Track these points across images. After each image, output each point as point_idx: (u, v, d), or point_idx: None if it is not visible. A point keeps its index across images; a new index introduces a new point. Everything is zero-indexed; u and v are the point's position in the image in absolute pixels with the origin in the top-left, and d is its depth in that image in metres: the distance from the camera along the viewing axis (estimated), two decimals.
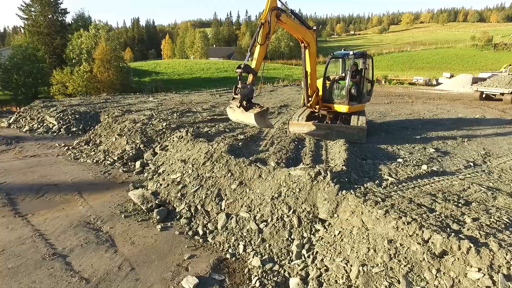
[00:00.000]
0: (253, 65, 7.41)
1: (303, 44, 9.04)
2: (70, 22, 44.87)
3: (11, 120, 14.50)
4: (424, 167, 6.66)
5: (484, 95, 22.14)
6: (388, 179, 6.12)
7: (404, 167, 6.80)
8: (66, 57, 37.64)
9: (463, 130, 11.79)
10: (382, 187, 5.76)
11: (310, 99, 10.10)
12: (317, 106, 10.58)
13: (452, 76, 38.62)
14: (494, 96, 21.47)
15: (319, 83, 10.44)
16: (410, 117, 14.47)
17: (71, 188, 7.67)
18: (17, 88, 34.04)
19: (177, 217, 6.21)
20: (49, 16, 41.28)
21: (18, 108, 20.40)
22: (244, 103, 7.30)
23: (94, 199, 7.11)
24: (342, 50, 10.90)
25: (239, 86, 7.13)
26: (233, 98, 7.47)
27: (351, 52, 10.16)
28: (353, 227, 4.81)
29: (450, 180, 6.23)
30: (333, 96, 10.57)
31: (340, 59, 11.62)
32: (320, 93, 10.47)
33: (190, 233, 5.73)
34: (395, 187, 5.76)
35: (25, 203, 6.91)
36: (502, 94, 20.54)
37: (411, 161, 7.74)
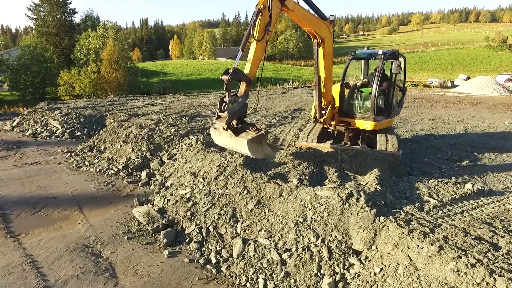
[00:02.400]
0: (246, 70, 5.46)
1: (315, 40, 6.84)
2: (78, 22, 44.69)
3: (15, 123, 14.00)
4: (469, 185, 5.82)
5: None
6: (429, 201, 5.30)
7: (444, 185, 5.97)
8: (74, 58, 37.40)
9: (497, 139, 10.85)
10: (425, 211, 4.94)
11: (323, 112, 7.68)
12: (332, 122, 8.11)
13: (468, 78, 37.34)
14: None
15: (336, 91, 8.07)
16: (434, 124, 13.53)
17: (70, 202, 7.02)
18: (25, 88, 33.90)
19: (187, 240, 5.48)
20: (58, 16, 41.16)
21: (24, 109, 20.02)
22: (234, 123, 5.44)
23: (95, 216, 6.43)
24: (365, 49, 8.58)
25: (226, 99, 5.20)
26: (218, 117, 5.47)
27: (379, 51, 7.60)
28: (398, 264, 4.01)
29: (502, 203, 5.39)
30: (354, 109, 8.17)
31: (363, 60, 8.99)
32: (337, 104, 8.05)
33: (201, 261, 4.99)
34: (440, 212, 4.94)
35: (19, 219, 6.27)
36: None
37: (449, 177, 6.90)
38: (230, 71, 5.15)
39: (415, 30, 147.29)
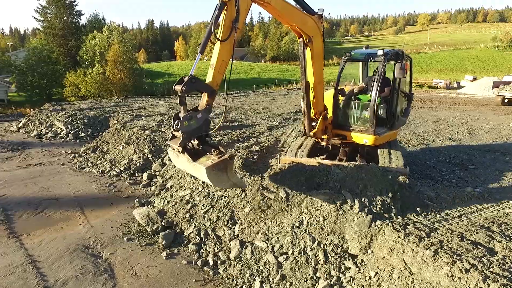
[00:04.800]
0: (208, 78, 4.54)
1: (301, 39, 5.79)
2: (84, 24, 45.24)
3: (20, 124, 14.22)
4: (469, 189, 5.78)
5: (506, 100, 21.06)
6: (428, 205, 5.28)
7: (444, 188, 5.94)
8: (79, 59, 37.87)
9: (501, 142, 10.74)
10: (423, 215, 4.94)
11: (314, 124, 6.58)
12: (324, 136, 6.93)
13: (475, 79, 36.96)
14: None
15: (328, 99, 6.92)
16: (437, 125, 13.44)
17: (72, 203, 7.12)
18: (32, 89, 34.42)
19: (185, 242, 5.53)
20: (64, 18, 41.74)
21: (31, 110, 20.32)
22: (195, 143, 4.59)
23: (96, 217, 6.52)
24: (364, 49, 7.37)
25: (182, 115, 4.31)
26: (172, 137, 4.61)
27: (379, 51, 6.44)
28: (393, 268, 4.01)
29: (502, 207, 5.36)
30: (350, 120, 6.96)
31: (361, 62, 7.85)
32: (330, 114, 6.90)
33: (199, 262, 5.03)
34: (438, 216, 4.94)
35: (22, 220, 6.37)
36: None
37: (449, 180, 6.86)
38: (186, 79, 4.19)
39: (421, 31, 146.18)
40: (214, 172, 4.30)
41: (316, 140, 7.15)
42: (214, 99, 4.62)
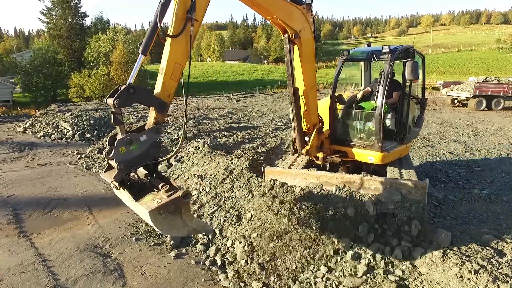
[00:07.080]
0: (157, 87, 3.32)
1: (286, 36, 4.54)
2: (89, 25, 45.55)
3: (27, 124, 14.37)
4: (476, 190, 5.79)
5: (456, 101, 21.41)
6: (436, 206, 5.30)
7: (451, 190, 5.96)
8: (84, 60, 38.13)
9: (506, 144, 10.72)
10: (431, 216, 4.95)
11: (307, 139, 5.22)
12: (319, 154, 5.55)
13: None
14: (467, 102, 20.55)
15: (323, 108, 5.66)
16: (442, 127, 13.44)
17: (80, 203, 7.19)
18: (37, 90, 34.69)
19: (193, 242, 5.57)
20: (69, 20, 42.01)
21: (36, 111, 20.51)
22: (143, 173, 3.37)
23: (104, 217, 6.58)
24: (365, 46, 6.17)
25: (119, 137, 3.08)
26: (108, 167, 3.42)
27: (385, 48, 5.10)
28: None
29: (509, 208, 5.35)
30: (351, 133, 5.66)
31: (362, 63, 6.62)
32: (326, 127, 5.64)
33: (207, 262, 5.07)
34: (446, 217, 4.95)
35: (31, 220, 6.45)
36: (467, 99, 19.90)
37: (456, 182, 6.86)
38: (122, 88, 3.02)
39: (424, 32, 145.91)
40: (162, 216, 3.08)
41: (310, 158, 5.81)
42: (166, 114, 3.40)
